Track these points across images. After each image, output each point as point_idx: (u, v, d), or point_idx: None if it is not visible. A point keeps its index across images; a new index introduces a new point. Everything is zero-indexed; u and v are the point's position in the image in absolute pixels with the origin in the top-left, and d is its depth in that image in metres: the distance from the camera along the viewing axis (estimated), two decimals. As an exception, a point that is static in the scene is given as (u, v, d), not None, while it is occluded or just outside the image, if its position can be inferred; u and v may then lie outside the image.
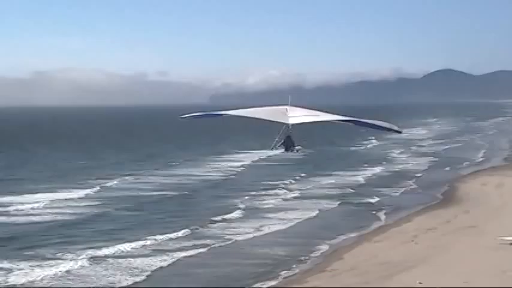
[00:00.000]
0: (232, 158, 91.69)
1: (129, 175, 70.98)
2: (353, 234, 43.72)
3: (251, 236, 42.82)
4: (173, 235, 41.66)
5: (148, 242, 39.67)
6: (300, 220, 48.07)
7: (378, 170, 79.09)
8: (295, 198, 57.94)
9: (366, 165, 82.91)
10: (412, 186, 65.77)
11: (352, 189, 63.70)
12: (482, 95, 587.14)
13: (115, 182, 65.52)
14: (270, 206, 53.99)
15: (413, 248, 38.83)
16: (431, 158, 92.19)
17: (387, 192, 61.50)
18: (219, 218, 47.85)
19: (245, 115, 17.01)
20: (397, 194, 61.47)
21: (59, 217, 48.07)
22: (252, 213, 50.32)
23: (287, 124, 16.49)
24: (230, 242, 41.06)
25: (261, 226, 45.54)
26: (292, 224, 46.77)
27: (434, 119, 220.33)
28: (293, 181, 67.56)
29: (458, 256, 35.46)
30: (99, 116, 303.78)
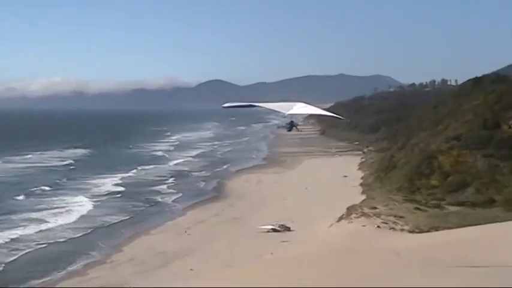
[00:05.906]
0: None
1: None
2: (134, 229, 44.01)
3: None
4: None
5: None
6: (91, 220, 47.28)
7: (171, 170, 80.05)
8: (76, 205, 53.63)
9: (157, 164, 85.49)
10: (199, 185, 66.38)
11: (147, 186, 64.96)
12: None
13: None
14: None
15: (186, 238, 40.39)
16: (213, 159, 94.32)
17: (175, 190, 62.06)
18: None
19: (265, 107, 19.95)
20: (184, 190, 61.66)
21: None
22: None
23: (289, 114, 19.76)
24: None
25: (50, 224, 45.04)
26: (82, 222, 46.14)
27: (216, 123, 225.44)
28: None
29: (224, 244, 37.85)
30: None
